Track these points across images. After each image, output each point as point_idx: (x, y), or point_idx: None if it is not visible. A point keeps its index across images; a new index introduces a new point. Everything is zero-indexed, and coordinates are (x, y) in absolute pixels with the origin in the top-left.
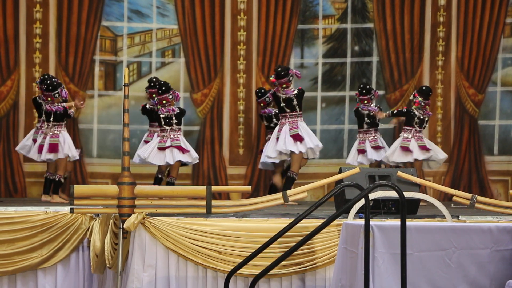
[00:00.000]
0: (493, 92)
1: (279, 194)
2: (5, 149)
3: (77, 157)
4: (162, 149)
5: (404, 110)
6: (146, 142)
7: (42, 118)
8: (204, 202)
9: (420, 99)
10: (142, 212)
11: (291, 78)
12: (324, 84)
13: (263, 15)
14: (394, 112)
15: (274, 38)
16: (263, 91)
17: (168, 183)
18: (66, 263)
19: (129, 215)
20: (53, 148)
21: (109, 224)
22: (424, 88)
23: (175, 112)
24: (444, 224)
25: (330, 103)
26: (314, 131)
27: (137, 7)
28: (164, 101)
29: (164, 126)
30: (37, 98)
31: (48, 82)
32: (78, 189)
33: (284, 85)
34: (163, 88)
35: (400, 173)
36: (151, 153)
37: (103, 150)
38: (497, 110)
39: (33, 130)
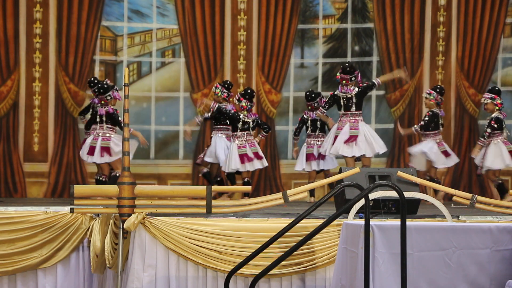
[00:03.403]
0: None
1: (279, 194)
2: (5, 149)
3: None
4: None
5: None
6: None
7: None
8: (204, 202)
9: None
10: (142, 212)
11: (353, 78)
12: (324, 84)
13: (263, 15)
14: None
15: (274, 38)
16: (313, 95)
17: (248, 183)
18: (66, 263)
19: (129, 215)
20: (105, 151)
21: (109, 224)
22: None
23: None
24: (444, 224)
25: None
26: None
27: (137, 7)
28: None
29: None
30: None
31: (99, 85)
32: (78, 189)
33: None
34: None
35: (400, 173)
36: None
37: None
38: None
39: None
